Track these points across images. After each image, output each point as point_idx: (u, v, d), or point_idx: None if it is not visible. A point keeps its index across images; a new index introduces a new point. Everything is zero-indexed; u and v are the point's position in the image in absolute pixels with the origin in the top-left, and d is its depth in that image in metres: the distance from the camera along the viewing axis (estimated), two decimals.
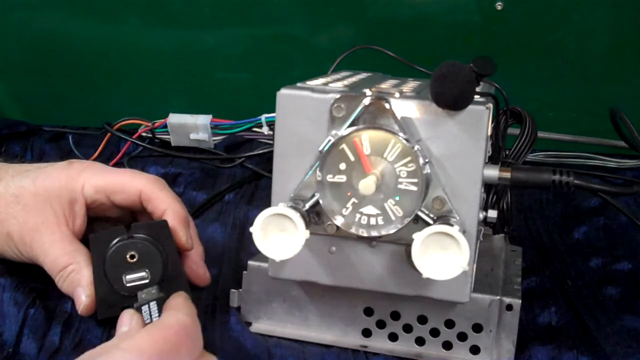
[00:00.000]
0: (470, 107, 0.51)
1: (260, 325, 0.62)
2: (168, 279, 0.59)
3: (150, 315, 0.55)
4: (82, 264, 0.61)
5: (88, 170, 0.65)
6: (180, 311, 0.53)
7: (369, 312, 0.60)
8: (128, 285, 0.58)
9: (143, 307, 0.55)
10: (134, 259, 0.58)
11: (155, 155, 0.94)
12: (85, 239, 0.64)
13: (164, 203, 0.63)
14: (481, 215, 0.55)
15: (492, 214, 0.58)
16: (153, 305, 0.56)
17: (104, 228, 0.66)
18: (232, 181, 0.91)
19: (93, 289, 0.60)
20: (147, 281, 0.58)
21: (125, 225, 0.61)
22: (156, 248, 0.59)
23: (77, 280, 0.61)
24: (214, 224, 0.79)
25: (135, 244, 0.59)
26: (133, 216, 0.67)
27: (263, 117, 0.89)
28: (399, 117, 0.52)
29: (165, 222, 0.61)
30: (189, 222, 0.65)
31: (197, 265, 0.65)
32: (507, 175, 0.55)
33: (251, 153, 0.93)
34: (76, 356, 0.57)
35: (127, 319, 0.54)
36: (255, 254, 0.60)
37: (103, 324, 0.61)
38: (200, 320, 0.61)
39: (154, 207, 0.63)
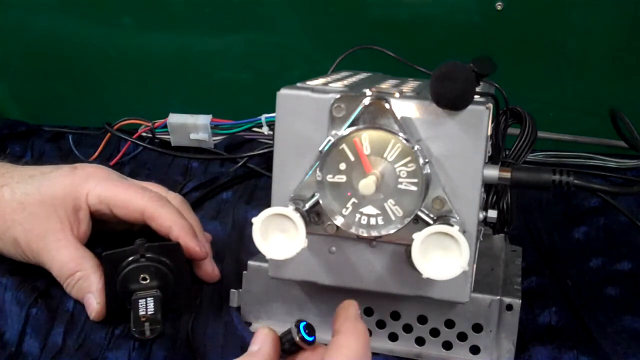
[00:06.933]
0: (470, 107, 0.51)
1: (260, 325, 0.62)
2: (176, 296, 0.61)
3: (146, 309, 0.57)
4: (90, 271, 0.62)
5: (93, 178, 0.66)
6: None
7: (369, 312, 0.60)
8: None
9: (140, 301, 0.57)
10: (146, 281, 0.59)
11: (157, 151, 0.94)
12: (89, 244, 0.65)
13: (168, 220, 0.64)
14: (481, 215, 0.55)
15: (492, 214, 0.58)
16: (150, 300, 0.57)
17: (108, 233, 0.67)
18: (232, 177, 0.91)
19: (103, 295, 0.61)
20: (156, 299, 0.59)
21: (129, 231, 0.61)
22: (169, 270, 0.60)
23: (87, 287, 0.62)
24: (213, 222, 0.79)
25: (149, 267, 0.60)
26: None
27: (263, 117, 0.89)
28: (399, 117, 0.52)
29: (178, 245, 0.62)
30: (195, 232, 0.66)
31: (205, 264, 0.66)
32: (507, 175, 0.55)
33: (251, 153, 0.93)
34: (80, 356, 0.58)
35: (260, 338, 0.49)
36: (255, 254, 0.60)
37: (107, 324, 0.61)
38: (206, 318, 0.61)
39: (158, 225, 0.64)
